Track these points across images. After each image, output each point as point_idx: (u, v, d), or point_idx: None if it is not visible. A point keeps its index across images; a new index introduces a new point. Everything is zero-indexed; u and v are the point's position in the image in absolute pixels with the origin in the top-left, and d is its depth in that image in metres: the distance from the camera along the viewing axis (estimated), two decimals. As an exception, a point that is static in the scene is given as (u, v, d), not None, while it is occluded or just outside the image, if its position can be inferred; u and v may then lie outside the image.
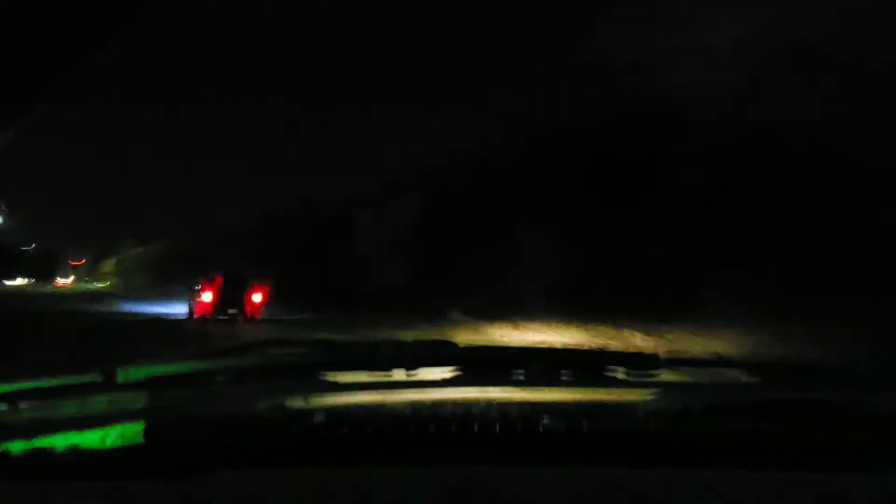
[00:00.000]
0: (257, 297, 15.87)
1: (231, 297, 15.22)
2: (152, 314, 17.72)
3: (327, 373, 1.14)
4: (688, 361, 1.36)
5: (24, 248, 63.72)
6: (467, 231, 17.07)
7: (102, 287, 56.91)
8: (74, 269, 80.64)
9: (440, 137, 19.72)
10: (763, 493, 0.84)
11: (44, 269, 67.00)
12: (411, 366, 1.16)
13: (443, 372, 1.18)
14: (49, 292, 40.70)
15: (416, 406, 1.04)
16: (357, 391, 1.11)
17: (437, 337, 1.36)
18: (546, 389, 1.19)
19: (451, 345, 1.26)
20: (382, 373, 1.15)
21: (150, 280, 40.44)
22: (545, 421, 0.97)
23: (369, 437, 0.92)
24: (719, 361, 1.40)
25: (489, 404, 1.06)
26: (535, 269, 13.99)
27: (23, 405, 0.97)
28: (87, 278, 73.35)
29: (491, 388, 1.15)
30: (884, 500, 0.85)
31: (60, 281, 66.53)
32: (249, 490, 0.77)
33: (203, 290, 15.65)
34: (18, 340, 9.01)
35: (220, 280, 15.63)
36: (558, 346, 9.41)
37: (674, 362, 1.30)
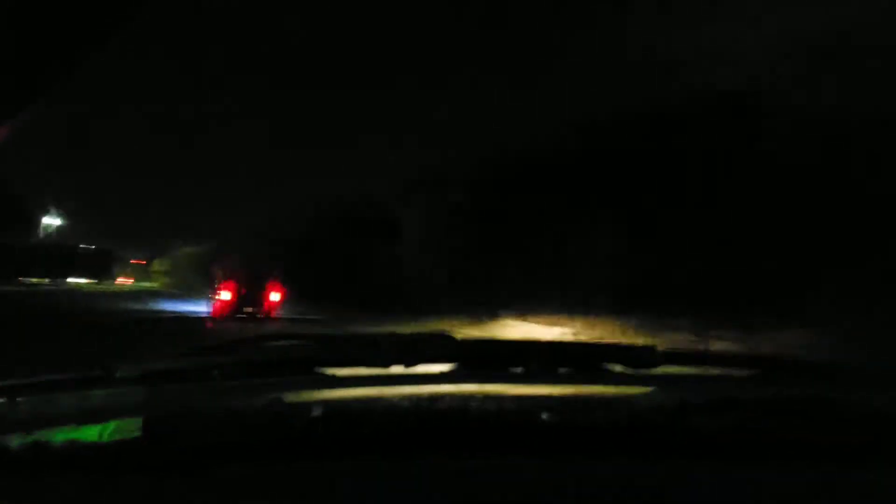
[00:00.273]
0: (275, 296, 16.29)
1: (248, 295, 15.59)
2: (182, 312, 18.16)
3: (325, 367, 1.14)
4: (686, 356, 1.35)
5: (82, 247, 65.93)
6: (516, 227, 16.13)
7: (154, 286, 58.39)
8: (134, 269, 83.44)
9: (482, 128, 18.65)
10: (761, 489, 0.84)
11: (103, 269, 69.29)
12: (409, 360, 1.15)
13: (441, 366, 1.18)
14: (105, 291, 42.04)
15: (415, 400, 1.05)
16: (355, 385, 1.12)
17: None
18: (544, 384, 1.19)
19: (449, 339, 1.25)
20: (380, 367, 1.14)
21: (197, 279, 41.19)
22: (543, 415, 0.98)
23: (367, 431, 0.92)
24: (717, 356, 1.40)
25: (487, 398, 1.07)
26: (596, 269, 12.87)
27: (21, 399, 0.97)
28: (142, 277, 75.52)
29: (489, 383, 1.16)
30: (884, 497, 0.85)
31: (121, 280, 68.70)
32: (248, 485, 0.78)
33: (221, 288, 15.98)
34: (34, 336, 9.34)
35: (237, 279, 15.94)
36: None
37: (672, 357, 1.28)
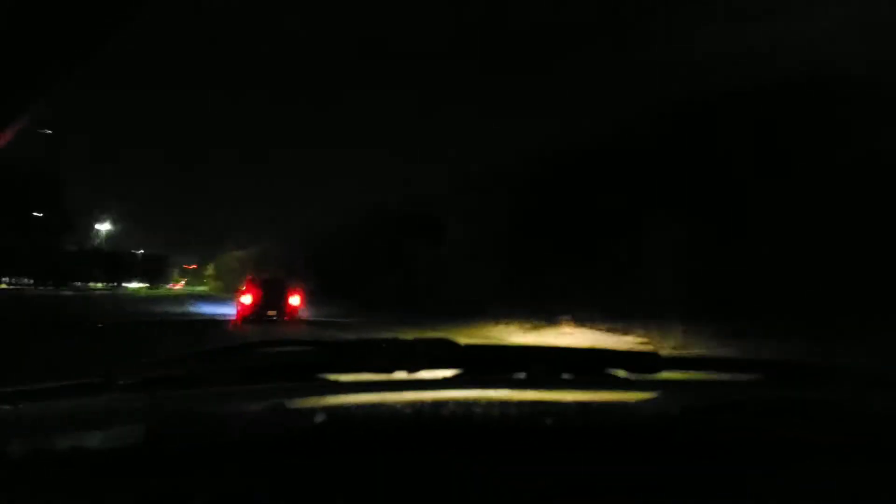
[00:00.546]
0: (294, 300, 17.02)
1: (270, 300, 16.37)
2: (215, 314, 18.74)
3: (326, 373, 1.14)
4: (688, 361, 1.34)
5: (136, 253, 67.69)
6: (580, 229, 14.71)
7: (204, 290, 59.33)
8: (185, 273, 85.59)
9: (540, 123, 17.45)
10: (764, 493, 0.84)
11: (157, 273, 71.07)
12: (412, 366, 1.15)
13: (443, 372, 1.18)
14: (155, 295, 42.99)
15: (417, 406, 1.04)
16: (356, 391, 1.12)
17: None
18: (547, 390, 1.20)
19: (452, 344, 1.22)
20: (382, 373, 1.14)
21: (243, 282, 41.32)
22: (546, 421, 0.98)
23: (369, 437, 0.93)
24: (719, 361, 1.37)
25: (490, 404, 1.07)
26: (665, 274, 11.39)
27: (22, 406, 0.98)
28: (194, 281, 77.22)
29: (492, 389, 1.16)
30: (884, 498, 0.85)
31: (174, 284, 70.40)
32: (249, 490, 0.79)
33: (243, 293, 16.95)
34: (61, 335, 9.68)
35: (259, 284, 16.97)
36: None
37: (674, 362, 1.28)
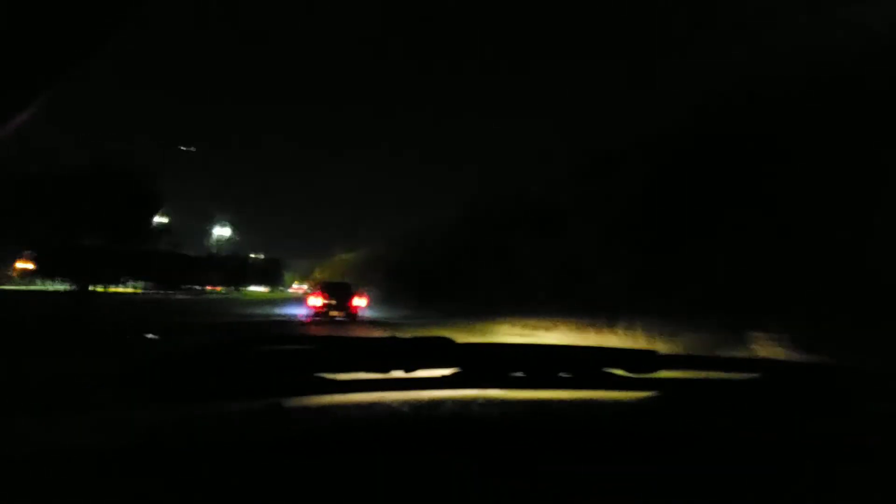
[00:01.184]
0: (359, 301, 19.26)
1: (336, 302, 18.32)
2: (289, 315, 20.12)
3: (324, 371, 1.13)
4: (685, 360, 1.30)
5: (252, 257, 70.21)
6: (737, 214, 11.50)
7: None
8: (304, 277, 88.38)
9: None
10: (761, 490, 0.85)
11: (273, 277, 73.51)
12: (410, 365, 1.14)
13: (441, 371, 1.16)
14: (262, 298, 44.76)
15: (415, 405, 1.07)
16: (355, 390, 1.11)
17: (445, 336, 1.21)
18: (545, 388, 1.19)
19: (450, 343, 1.21)
20: (380, 372, 1.12)
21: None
22: (544, 420, 1.02)
23: (366, 436, 0.93)
24: (717, 361, 1.33)
25: (488, 403, 1.09)
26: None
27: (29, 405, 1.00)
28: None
29: (489, 387, 1.16)
30: (881, 497, 0.85)
31: (294, 287, 72.60)
32: (248, 487, 0.78)
33: (312, 296, 19.46)
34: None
35: (327, 289, 19.44)
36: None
37: (671, 361, 1.25)
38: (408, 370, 1.12)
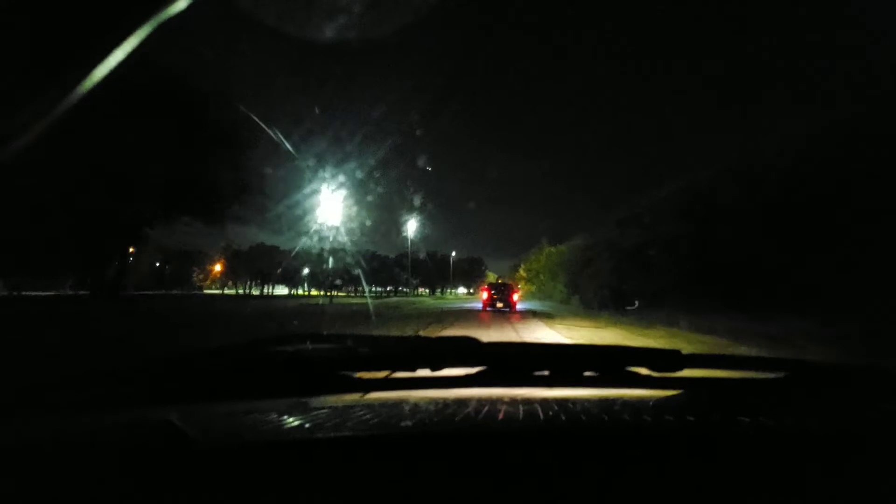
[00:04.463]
0: (514, 297, 24.36)
1: (498, 297, 23.77)
2: (472, 307, 26.10)
3: (348, 370, 1.14)
4: (709, 360, 1.23)
5: (454, 256, 68.96)
6: None
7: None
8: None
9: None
10: (782, 488, 0.85)
11: (474, 276, 71.64)
12: (435, 363, 1.15)
13: (467, 370, 1.17)
14: (462, 298, 46.06)
15: (441, 403, 1.12)
16: (379, 388, 1.13)
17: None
18: (569, 387, 1.19)
19: (476, 342, 1.21)
20: (406, 370, 1.14)
21: (560, 281, 38.56)
22: (569, 418, 1.00)
23: (391, 433, 0.95)
24: (740, 360, 1.26)
25: (513, 401, 1.13)
26: None
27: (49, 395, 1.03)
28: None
29: (515, 386, 1.17)
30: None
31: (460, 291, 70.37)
32: (273, 485, 0.80)
33: (482, 292, 26.25)
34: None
35: (491, 288, 24.71)
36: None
37: (695, 360, 1.20)
38: (434, 369, 1.14)
